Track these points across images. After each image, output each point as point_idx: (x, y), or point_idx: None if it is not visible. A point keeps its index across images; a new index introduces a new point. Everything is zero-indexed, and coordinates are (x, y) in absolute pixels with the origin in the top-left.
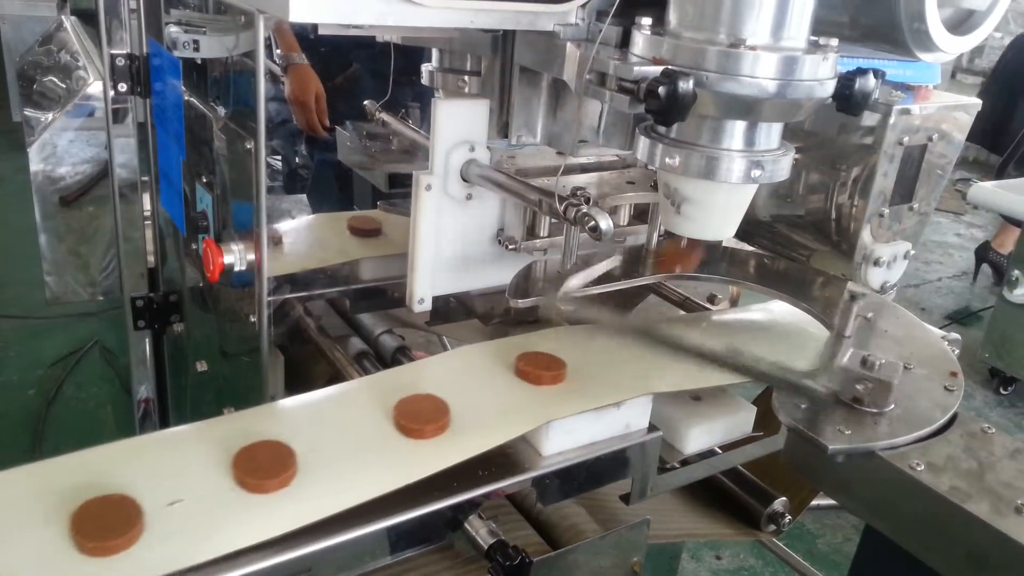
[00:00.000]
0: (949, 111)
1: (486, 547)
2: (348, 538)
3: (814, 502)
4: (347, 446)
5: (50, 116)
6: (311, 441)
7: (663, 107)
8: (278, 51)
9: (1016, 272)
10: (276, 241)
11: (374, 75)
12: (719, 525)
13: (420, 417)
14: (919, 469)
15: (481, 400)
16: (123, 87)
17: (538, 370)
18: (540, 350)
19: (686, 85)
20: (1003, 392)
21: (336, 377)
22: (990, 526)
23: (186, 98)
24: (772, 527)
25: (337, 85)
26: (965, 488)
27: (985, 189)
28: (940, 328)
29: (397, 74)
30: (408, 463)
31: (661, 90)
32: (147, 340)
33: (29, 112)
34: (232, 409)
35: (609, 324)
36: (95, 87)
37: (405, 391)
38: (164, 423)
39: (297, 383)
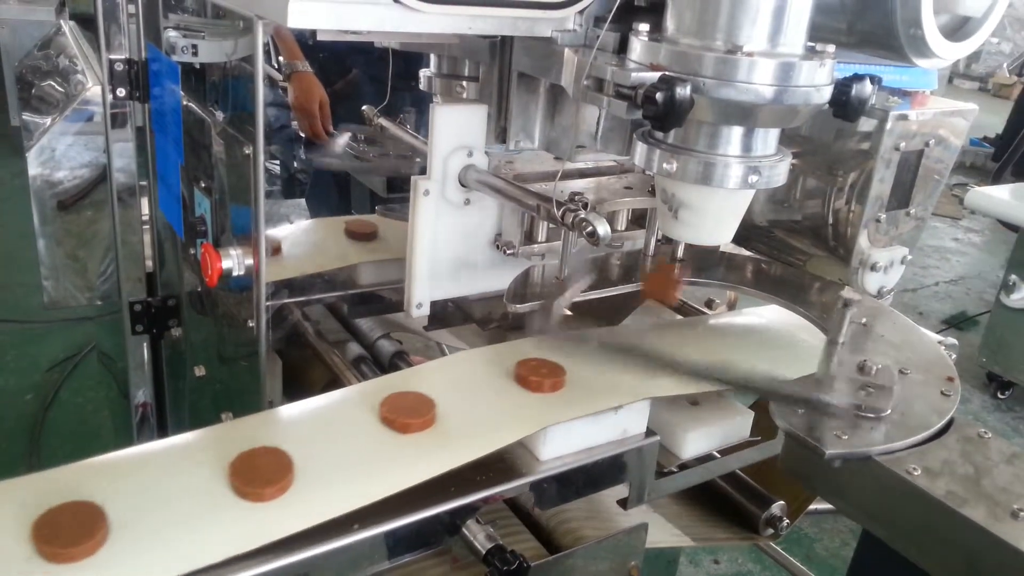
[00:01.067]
0: (946, 116)
1: (484, 552)
2: (346, 543)
3: (812, 506)
4: (341, 451)
5: (48, 121)
6: (307, 448)
7: (660, 113)
8: (281, 58)
9: (1014, 277)
10: (275, 246)
11: (373, 81)
12: (717, 530)
13: (405, 412)
14: (916, 474)
15: (477, 404)
16: (122, 92)
17: (538, 377)
18: (539, 356)
19: (683, 91)
20: (1000, 396)
21: (334, 382)
22: (986, 531)
23: (185, 103)
24: (770, 531)
25: (337, 91)
26: (961, 493)
27: (982, 194)
28: (937, 333)
29: (396, 79)
30: (400, 465)
31: (658, 96)
32: (145, 345)
33: (28, 116)
34: (230, 414)
35: (605, 335)
36: (94, 92)
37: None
38: (162, 428)
39: (295, 388)
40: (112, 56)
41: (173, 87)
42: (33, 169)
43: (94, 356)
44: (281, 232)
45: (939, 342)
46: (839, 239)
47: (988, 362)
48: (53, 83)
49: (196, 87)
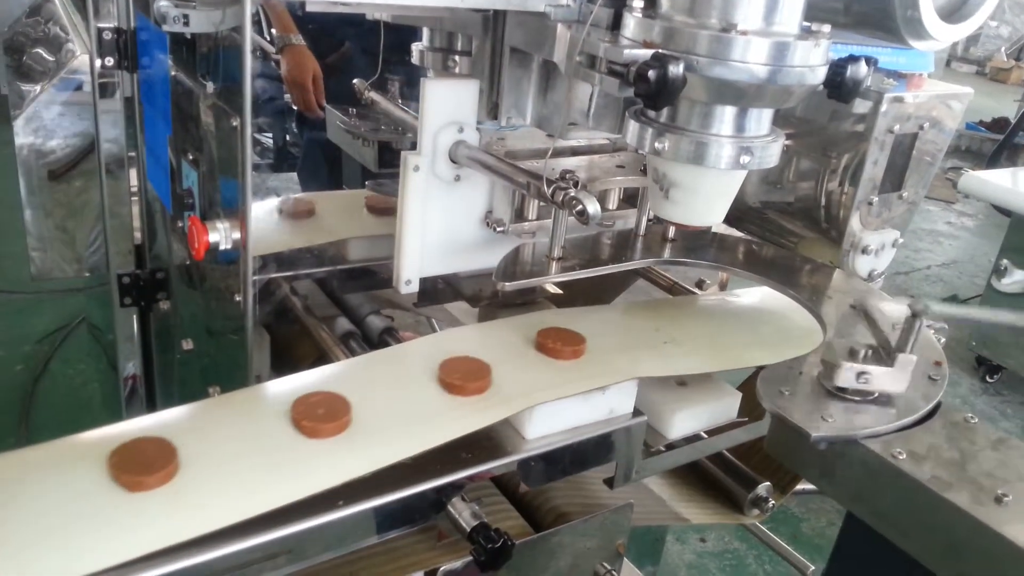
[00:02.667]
0: (941, 99)
1: (469, 529)
2: (333, 518)
3: (798, 487)
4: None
5: (37, 89)
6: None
7: (652, 91)
8: (273, 31)
9: (1005, 261)
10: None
11: (366, 54)
12: (703, 509)
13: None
14: (901, 458)
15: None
16: (110, 61)
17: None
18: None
19: (676, 69)
20: (989, 380)
21: (322, 357)
22: (970, 515)
23: (173, 73)
24: (756, 511)
25: (329, 64)
26: (946, 477)
27: (976, 178)
28: None
29: (389, 53)
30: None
31: (651, 74)
32: (134, 317)
33: (16, 84)
34: (218, 388)
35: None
36: (82, 61)
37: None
38: (150, 401)
39: (283, 363)
40: (100, 24)
41: (162, 57)
42: (20, 138)
43: (84, 328)
44: (271, 205)
45: (928, 326)
46: (831, 221)
47: (978, 346)
48: (42, 51)
49: (185, 57)
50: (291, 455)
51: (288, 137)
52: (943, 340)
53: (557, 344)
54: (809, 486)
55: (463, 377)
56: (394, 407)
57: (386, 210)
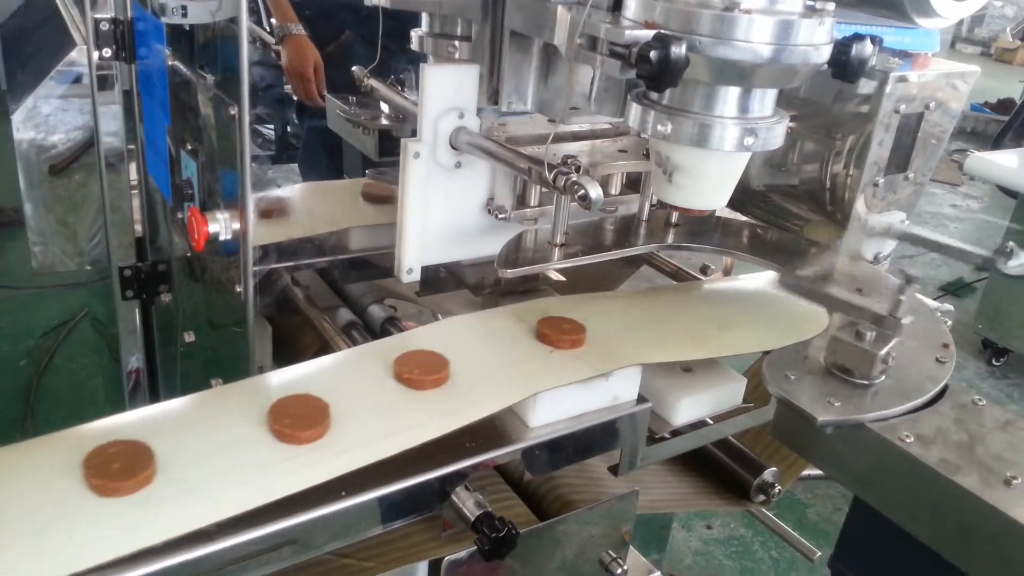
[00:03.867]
0: (947, 79)
1: (473, 519)
2: (337, 508)
3: (804, 472)
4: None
5: (35, 81)
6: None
7: (655, 72)
8: (273, 20)
9: (1011, 243)
10: (263, 210)
11: (367, 42)
12: (709, 496)
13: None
14: (908, 441)
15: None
16: (107, 52)
17: (559, 335)
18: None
19: (678, 50)
20: (995, 363)
21: (325, 348)
22: (979, 499)
23: (170, 63)
24: (762, 497)
25: (329, 53)
26: (954, 460)
27: (982, 159)
28: (934, 299)
29: (388, 40)
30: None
31: (653, 55)
32: (136, 311)
33: (14, 77)
34: (220, 380)
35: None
36: (79, 52)
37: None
38: (154, 394)
39: (285, 354)
40: (97, 15)
41: (159, 47)
42: (20, 133)
43: (87, 322)
44: (271, 195)
45: (935, 308)
46: (836, 204)
47: (984, 329)
48: (39, 43)
49: (182, 47)
50: (268, 459)
51: (288, 128)
52: (949, 323)
53: (557, 332)
54: (814, 471)
55: (421, 372)
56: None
57: (384, 198)
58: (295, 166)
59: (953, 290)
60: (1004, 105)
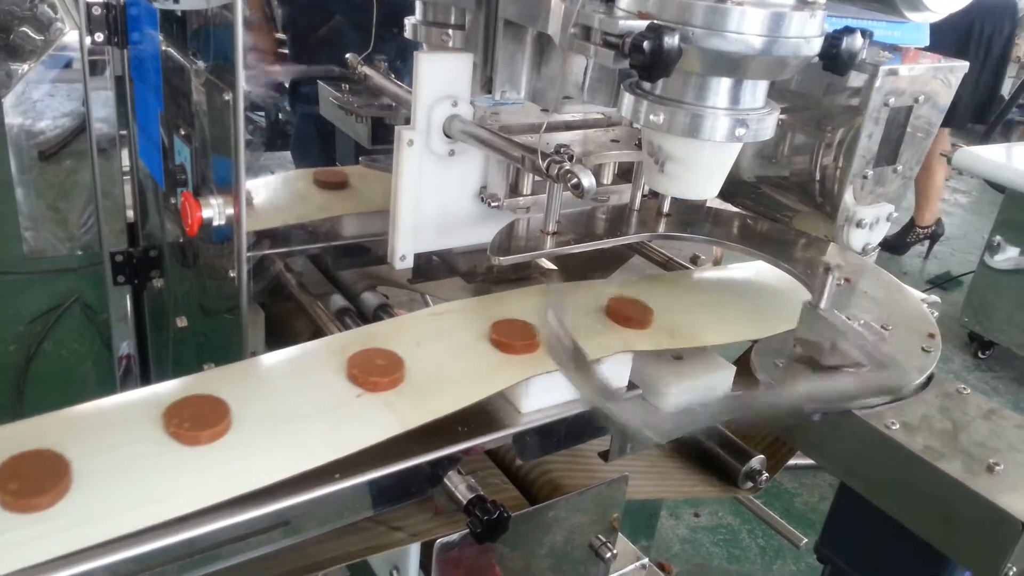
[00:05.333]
0: (936, 73)
1: (465, 502)
2: (328, 491)
3: (792, 461)
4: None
5: (26, 67)
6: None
7: (648, 62)
8: None
9: (998, 237)
10: (255, 196)
11: (357, 27)
12: (697, 482)
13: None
14: (894, 428)
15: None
16: (100, 37)
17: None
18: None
19: (671, 40)
20: (981, 356)
21: (318, 334)
22: (962, 485)
23: (163, 48)
24: (749, 484)
25: (320, 37)
26: (939, 447)
27: (970, 154)
28: (922, 292)
29: (379, 27)
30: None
31: (646, 45)
32: (128, 296)
33: (3, 63)
34: (212, 366)
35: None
36: (71, 37)
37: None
38: (145, 379)
39: (278, 340)
40: (89, 0)
41: (152, 32)
42: (10, 118)
43: (77, 308)
44: (263, 182)
45: (922, 300)
46: (826, 195)
47: (970, 322)
48: (29, 29)
49: (175, 33)
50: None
51: (280, 115)
52: (936, 314)
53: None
54: (802, 461)
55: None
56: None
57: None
58: (287, 154)
59: (940, 283)
60: None
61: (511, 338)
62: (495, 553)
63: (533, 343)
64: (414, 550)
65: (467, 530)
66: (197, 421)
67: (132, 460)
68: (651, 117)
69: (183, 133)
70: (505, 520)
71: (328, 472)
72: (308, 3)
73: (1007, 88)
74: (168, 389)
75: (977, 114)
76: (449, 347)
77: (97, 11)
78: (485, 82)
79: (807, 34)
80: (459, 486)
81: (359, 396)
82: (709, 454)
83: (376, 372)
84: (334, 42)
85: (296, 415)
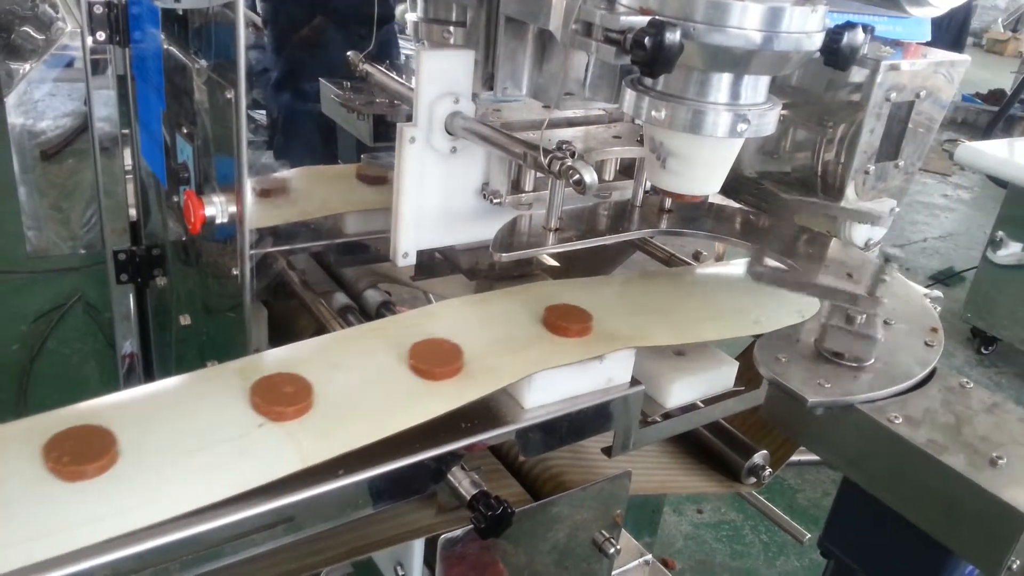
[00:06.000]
0: (938, 68)
1: (469, 498)
2: (331, 488)
3: (794, 457)
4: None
5: (27, 67)
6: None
7: (649, 58)
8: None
9: (1000, 233)
10: (259, 193)
11: (339, 26)
12: (700, 478)
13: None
14: (897, 422)
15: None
16: (101, 36)
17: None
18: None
19: (673, 36)
20: (984, 352)
21: (321, 331)
22: (966, 478)
23: (165, 47)
24: (752, 480)
25: (303, 37)
26: (942, 441)
27: (973, 149)
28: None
29: (360, 25)
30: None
31: (647, 41)
32: (130, 295)
33: (6, 62)
34: (216, 364)
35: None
36: (73, 36)
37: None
38: (149, 378)
39: (281, 337)
40: None
41: (154, 31)
42: (13, 117)
43: (80, 307)
44: (266, 180)
45: (924, 295)
46: (828, 191)
47: (973, 317)
48: (30, 29)
49: (177, 32)
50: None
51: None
52: (938, 310)
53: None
54: (805, 457)
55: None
56: None
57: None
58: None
59: (943, 279)
60: (995, 96)
61: (430, 363)
62: (499, 549)
63: (454, 368)
64: (418, 546)
65: (471, 526)
66: (78, 455)
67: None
68: (653, 113)
69: (185, 131)
70: (509, 515)
71: (331, 468)
72: (292, 2)
73: (1008, 84)
74: (46, 422)
75: None
76: (365, 372)
77: (99, 10)
78: (487, 79)
79: (808, 29)
80: (463, 482)
81: (261, 426)
82: (712, 450)
83: (281, 400)
84: (317, 42)
85: (190, 448)
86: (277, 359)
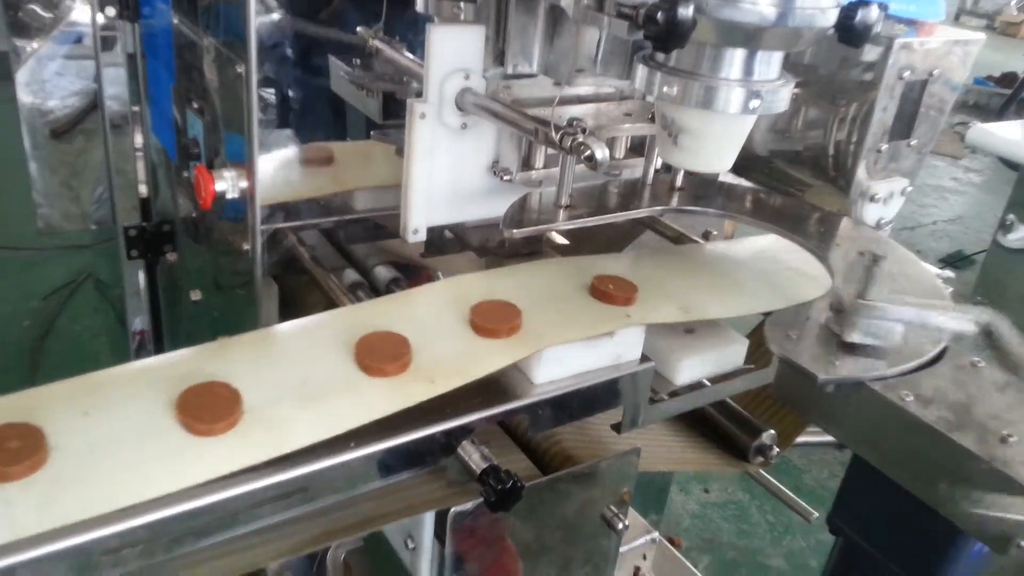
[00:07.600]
0: (951, 46)
1: (479, 471)
2: (342, 460)
3: (801, 438)
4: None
5: (35, 44)
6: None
7: (662, 33)
8: None
9: (1011, 216)
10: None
11: (357, 8)
12: (708, 456)
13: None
14: (908, 400)
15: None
16: (111, 11)
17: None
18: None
19: (685, 11)
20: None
21: (331, 307)
22: (976, 456)
23: (175, 23)
24: (760, 459)
25: (321, 20)
26: (953, 419)
27: (984, 131)
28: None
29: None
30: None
31: (660, 15)
32: (141, 271)
33: (15, 40)
34: (226, 338)
35: None
36: (82, 12)
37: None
38: (160, 353)
39: (291, 313)
40: None
41: (163, 6)
42: (23, 96)
43: (91, 284)
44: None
45: (936, 274)
46: (839, 170)
47: (982, 300)
48: (37, 7)
49: (186, 7)
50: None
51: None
52: (950, 291)
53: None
54: (811, 438)
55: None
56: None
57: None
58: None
59: (953, 262)
60: (1008, 78)
61: (199, 415)
62: (508, 524)
63: (231, 421)
64: (428, 519)
65: (481, 499)
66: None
67: None
68: (665, 89)
69: (196, 107)
70: (519, 489)
71: (343, 440)
72: None
73: (1021, 66)
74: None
75: None
76: (119, 424)
77: None
78: (497, 55)
79: (822, 4)
80: (473, 455)
81: None
82: (720, 428)
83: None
84: (335, 23)
85: None
86: (13, 404)
